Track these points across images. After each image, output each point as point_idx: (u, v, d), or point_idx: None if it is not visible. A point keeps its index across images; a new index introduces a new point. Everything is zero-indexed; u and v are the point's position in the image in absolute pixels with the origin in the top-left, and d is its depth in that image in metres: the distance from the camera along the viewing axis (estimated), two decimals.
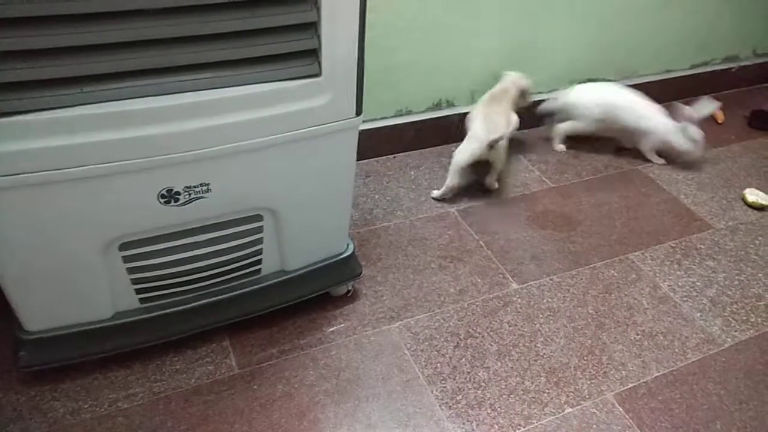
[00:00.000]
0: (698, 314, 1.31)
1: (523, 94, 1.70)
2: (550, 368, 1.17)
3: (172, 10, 0.78)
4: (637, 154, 1.81)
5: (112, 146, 0.83)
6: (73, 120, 0.79)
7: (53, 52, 0.75)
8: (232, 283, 1.10)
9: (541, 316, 1.28)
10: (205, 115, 0.86)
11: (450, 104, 1.77)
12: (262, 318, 1.18)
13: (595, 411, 1.10)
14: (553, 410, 1.10)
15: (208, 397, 1.07)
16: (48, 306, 0.98)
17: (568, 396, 1.12)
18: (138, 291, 1.03)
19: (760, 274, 1.42)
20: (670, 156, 1.79)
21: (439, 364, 1.17)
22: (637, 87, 1.81)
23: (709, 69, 2.15)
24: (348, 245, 1.23)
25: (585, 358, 1.20)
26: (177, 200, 0.91)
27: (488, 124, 1.53)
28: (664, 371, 1.18)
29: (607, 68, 1.95)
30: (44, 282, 0.94)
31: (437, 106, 1.75)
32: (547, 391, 1.13)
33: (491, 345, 1.21)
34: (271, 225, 1.06)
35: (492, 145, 1.49)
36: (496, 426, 1.06)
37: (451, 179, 1.56)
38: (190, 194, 0.92)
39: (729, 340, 1.26)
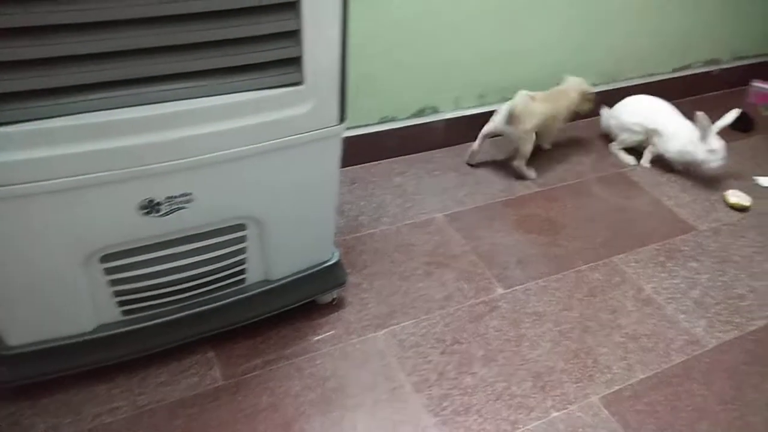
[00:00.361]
0: (682, 316, 1.32)
1: (583, 98, 1.77)
2: (536, 372, 1.17)
3: (150, 19, 0.78)
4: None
5: (91, 157, 0.82)
6: (51, 132, 0.78)
7: (30, 64, 0.74)
8: (216, 294, 1.09)
9: (527, 320, 1.28)
10: (186, 124, 0.85)
11: (434, 111, 1.77)
12: (247, 328, 1.17)
13: (581, 415, 1.10)
14: (540, 415, 1.10)
15: (193, 409, 1.06)
16: (28, 320, 0.96)
17: (554, 400, 1.12)
18: (120, 303, 1.02)
19: (742, 275, 1.44)
20: (690, 168, 1.76)
21: (425, 371, 1.16)
22: (620, 91, 1.82)
23: (690, 72, 2.17)
24: (333, 253, 1.22)
25: (571, 362, 1.20)
26: (158, 211, 0.91)
27: (520, 106, 1.61)
28: (649, 373, 1.19)
29: (591, 73, 1.96)
30: (24, 296, 0.92)
31: (421, 112, 1.76)
32: (533, 395, 1.13)
33: (477, 350, 1.21)
34: (255, 234, 1.05)
35: (510, 123, 1.62)
36: None
37: (476, 143, 1.72)
38: (171, 205, 0.91)
39: (713, 341, 1.27)
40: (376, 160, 1.75)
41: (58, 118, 0.78)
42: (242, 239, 1.04)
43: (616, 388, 1.15)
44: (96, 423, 1.03)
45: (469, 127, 1.82)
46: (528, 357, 1.20)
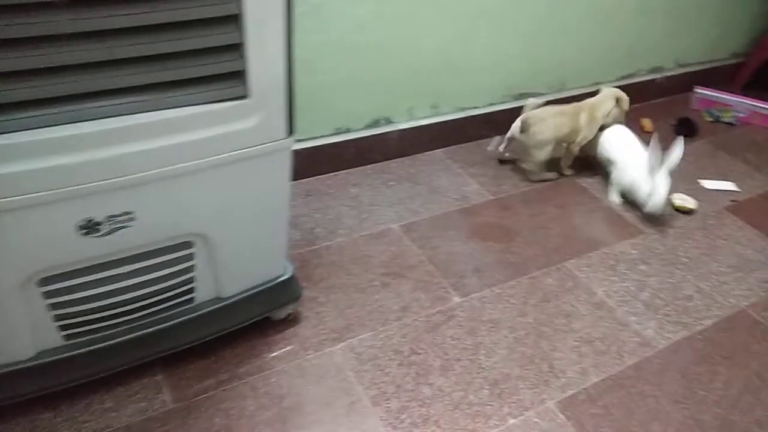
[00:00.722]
0: (633, 318, 1.35)
1: (620, 108, 1.79)
2: (493, 380, 1.18)
3: (89, 33, 0.75)
4: (571, 166, 1.85)
5: (25, 177, 0.78)
6: None
7: None
8: (164, 314, 1.06)
9: (483, 328, 1.29)
10: (126, 140, 0.83)
11: (388, 121, 1.78)
12: (198, 348, 1.14)
13: (537, 420, 1.11)
14: (497, 422, 1.10)
15: None
16: None
17: (510, 407, 1.13)
18: (61, 327, 0.97)
19: (689, 276, 1.48)
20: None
21: (383, 384, 1.15)
22: (566, 99, 1.86)
23: (636, 80, 2.24)
24: (287, 267, 1.21)
25: (526, 368, 1.21)
26: (98, 231, 0.87)
27: (530, 113, 1.71)
28: (603, 376, 1.20)
29: (539, 82, 2.00)
30: None
31: (376, 123, 1.76)
32: (490, 403, 1.13)
33: (435, 360, 1.21)
34: (203, 252, 1.02)
35: (522, 130, 1.72)
36: None
37: (502, 145, 1.82)
38: (112, 224, 0.88)
39: (663, 342, 1.30)
40: (332, 172, 1.74)
41: None
42: (190, 257, 1.01)
43: (571, 392, 1.17)
44: None
45: (423, 137, 1.83)
46: (485, 365, 1.21)
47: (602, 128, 1.78)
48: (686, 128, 2.10)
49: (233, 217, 1.01)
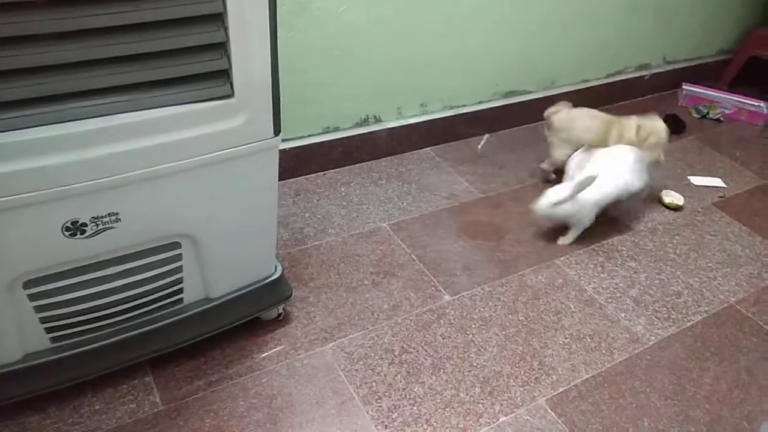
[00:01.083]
0: (623, 314, 1.35)
1: (656, 142, 1.68)
2: (483, 378, 1.18)
3: (72, 33, 0.74)
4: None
5: (9, 179, 0.77)
6: None
7: None
8: (152, 315, 1.05)
9: (473, 326, 1.29)
10: (111, 141, 0.82)
11: (377, 120, 1.77)
12: (188, 349, 1.13)
13: (528, 418, 1.11)
14: (488, 420, 1.10)
15: None
16: None
17: (501, 405, 1.13)
18: (48, 330, 0.96)
19: (678, 272, 1.49)
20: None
21: (374, 383, 1.15)
22: (555, 97, 1.87)
23: (623, 77, 2.25)
24: (276, 267, 1.20)
25: (517, 365, 1.21)
26: (84, 232, 0.86)
27: (554, 112, 1.68)
28: (593, 373, 1.21)
29: (528, 80, 2.01)
30: None
31: (365, 122, 1.76)
32: (481, 401, 1.13)
33: (426, 359, 1.21)
34: (191, 252, 1.02)
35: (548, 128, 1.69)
36: None
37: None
38: (97, 225, 0.87)
39: (652, 338, 1.30)
40: (320, 171, 1.74)
41: None
42: (177, 258, 1.01)
43: (562, 389, 1.17)
44: None
45: (413, 135, 1.83)
46: (475, 363, 1.21)
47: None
48: (674, 125, 2.11)
49: (221, 218, 1.01)
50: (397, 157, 1.83)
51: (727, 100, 2.23)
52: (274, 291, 1.20)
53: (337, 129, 1.72)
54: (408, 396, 1.13)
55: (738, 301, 1.42)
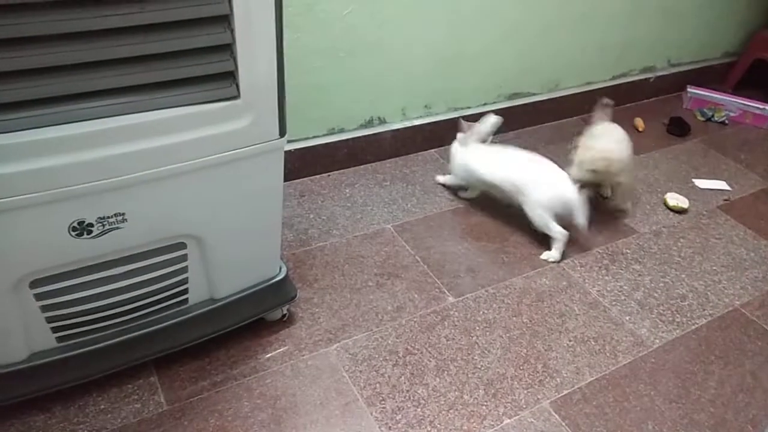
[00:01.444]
0: (627, 317, 1.35)
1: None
2: (487, 380, 1.18)
3: (79, 34, 0.75)
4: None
5: (17, 179, 0.78)
6: None
7: None
8: (157, 315, 1.06)
9: (477, 328, 1.29)
10: (117, 142, 0.82)
11: (382, 121, 1.78)
12: (193, 349, 1.14)
13: (532, 420, 1.11)
14: (492, 422, 1.10)
15: None
16: None
17: (505, 407, 1.13)
18: (54, 329, 0.97)
19: (683, 275, 1.49)
20: None
21: (378, 385, 1.15)
22: (559, 99, 1.86)
23: (628, 80, 2.25)
24: (281, 268, 1.20)
25: (521, 368, 1.21)
26: (90, 232, 0.87)
27: (591, 135, 1.61)
28: (597, 376, 1.21)
29: (532, 82, 2.01)
30: None
31: (369, 123, 1.76)
32: (485, 403, 1.13)
33: (430, 361, 1.21)
34: (196, 253, 1.02)
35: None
36: None
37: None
38: (104, 225, 0.87)
39: (657, 341, 1.30)
40: (325, 172, 1.74)
41: None
42: (183, 258, 1.01)
43: (566, 392, 1.17)
44: None
45: (417, 137, 1.83)
46: (479, 365, 1.21)
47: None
48: (678, 128, 2.11)
49: (226, 218, 1.01)
50: (401, 159, 1.83)
51: (732, 103, 2.23)
52: (279, 292, 1.20)
53: (341, 130, 1.72)
54: (412, 398, 1.13)
55: (743, 305, 1.41)
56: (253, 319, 1.19)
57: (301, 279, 1.37)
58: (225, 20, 0.82)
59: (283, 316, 1.26)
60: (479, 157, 1.57)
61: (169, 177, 0.88)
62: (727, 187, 1.84)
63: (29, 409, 1.04)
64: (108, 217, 0.87)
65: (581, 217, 1.45)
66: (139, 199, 0.88)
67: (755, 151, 2.05)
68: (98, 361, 1.02)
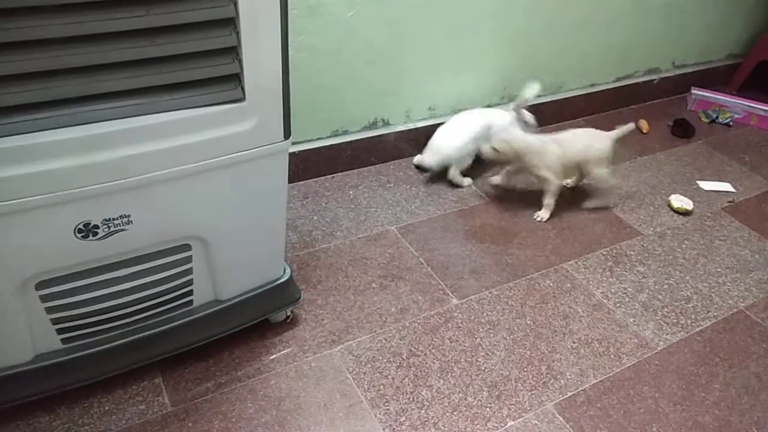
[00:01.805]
0: (631, 319, 1.35)
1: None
2: (491, 382, 1.18)
3: (86, 37, 0.75)
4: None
5: (23, 181, 0.78)
6: None
7: None
8: (162, 317, 1.06)
9: (481, 330, 1.29)
10: (123, 144, 0.83)
11: (386, 123, 1.78)
12: (197, 351, 1.14)
13: (536, 422, 1.11)
14: (496, 424, 1.10)
15: None
16: None
17: (509, 409, 1.13)
18: (59, 331, 0.97)
19: (687, 277, 1.48)
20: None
21: (382, 386, 1.15)
22: (564, 101, 1.86)
23: (632, 81, 2.24)
24: (285, 270, 1.21)
25: (525, 370, 1.21)
26: (95, 234, 0.87)
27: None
28: (601, 378, 1.20)
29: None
30: None
31: (373, 125, 1.76)
32: (489, 405, 1.13)
33: (433, 362, 1.21)
34: (201, 254, 1.02)
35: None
36: None
37: None
38: (109, 227, 0.88)
39: (661, 343, 1.30)
40: (329, 174, 1.74)
41: None
42: (188, 260, 1.01)
43: (570, 394, 1.17)
44: None
45: (421, 138, 1.83)
46: (483, 367, 1.21)
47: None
48: (682, 129, 2.11)
49: (230, 220, 1.01)
50: (405, 161, 1.83)
51: (736, 105, 2.23)
52: (283, 293, 1.20)
53: (345, 132, 1.73)
54: (416, 399, 1.13)
55: (747, 307, 1.41)
56: (258, 321, 1.19)
57: (305, 281, 1.37)
58: (231, 23, 0.82)
59: (287, 317, 1.26)
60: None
61: (174, 179, 0.89)
62: (732, 189, 1.84)
63: (34, 410, 1.04)
64: (113, 219, 0.87)
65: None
66: (144, 201, 0.89)
67: (760, 153, 2.05)
68: (103, 363, 1.03)
